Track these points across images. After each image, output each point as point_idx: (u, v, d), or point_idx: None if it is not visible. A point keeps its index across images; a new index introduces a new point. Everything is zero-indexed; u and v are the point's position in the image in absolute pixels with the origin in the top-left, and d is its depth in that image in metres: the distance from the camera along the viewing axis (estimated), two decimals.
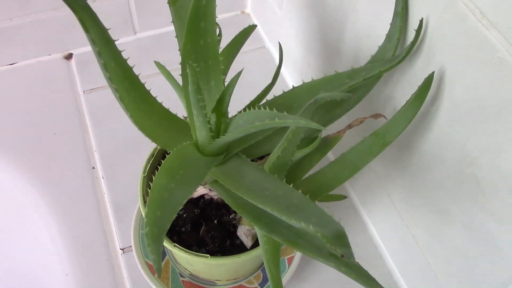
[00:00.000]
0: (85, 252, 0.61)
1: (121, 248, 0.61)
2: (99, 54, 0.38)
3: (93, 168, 0.68)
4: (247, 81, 0.64)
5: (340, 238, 0.31)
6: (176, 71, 0.42)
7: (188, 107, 0.43)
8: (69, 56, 0.80)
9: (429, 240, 0.52)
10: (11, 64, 0.79)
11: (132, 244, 0.58)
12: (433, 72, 0.42)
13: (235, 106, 0.47)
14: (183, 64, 0.42)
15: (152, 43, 0.83)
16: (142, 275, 0.56)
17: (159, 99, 0.45)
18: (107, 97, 0.74)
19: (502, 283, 0.43)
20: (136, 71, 0.42)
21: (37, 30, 0.78)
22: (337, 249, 0.30)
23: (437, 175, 0.47)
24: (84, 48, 0.81)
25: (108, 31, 0.39)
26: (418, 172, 0.50)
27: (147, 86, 0.44)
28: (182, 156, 0.42)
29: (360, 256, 0.38)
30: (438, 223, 0.49)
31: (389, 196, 0.57)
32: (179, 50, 0.43)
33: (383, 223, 0.62)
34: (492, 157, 0.39)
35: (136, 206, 0.61)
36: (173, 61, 0.42)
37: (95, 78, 0.77)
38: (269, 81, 0.50)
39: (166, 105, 0.46)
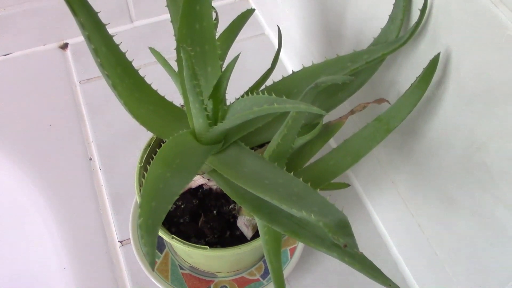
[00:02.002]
0: (83, 245, 0.60)
1: (120, 240, 0.60)
2: (89, 39, 0.36)
3: (90, 159, 0.67)
4: (246, 68, 0.63)
5: (343, 228, 0.30)
6: (174, 59, 0.41)
7: (184, 94, 0.42)
8: (64, 46, 0.79)
9: (435, 229, 0.50)
10: (5, 55, 0.77)
11: (131, 236, 0.57)
12: (438, 54, 0.40)
13: (233, 94, 0.46)
14: (178, 49, 0.40)
15: (149, 32, 0.82)
16: (141, 268, 0.55)
17: (157, 89, 0.44)
18: (104, 87, 0.72)
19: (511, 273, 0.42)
20: (133, 60, 0.41)
21: (31, 19, 0.77)
22: (339, 239, 0.28)
23: (444, 162, 0.45)
24: (79, 38, 0.79)
25: (104, 21, 0.37)
26: (423, 158, 0.48)
27: (145, 75, 0.43)
28: (178, 145, 0.41)
29: (364, 246, 0.37)
30: (444, 211, 0.48)
31: (394, 184, 0.55)
32: (174, 35, 0.42)
33: (387, 212, 0.60)
34: (502, 142, 0.38)
35: (134, 198, 0.60)
36: (171, 49, 0.41)
37: (91, 68, 0.76)
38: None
39: (163, 94, 0.45)
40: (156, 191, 0.35)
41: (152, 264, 0.30)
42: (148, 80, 0.43)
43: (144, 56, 0.58)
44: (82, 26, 0.35)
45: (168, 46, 0.52)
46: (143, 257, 0.55)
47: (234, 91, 0.48)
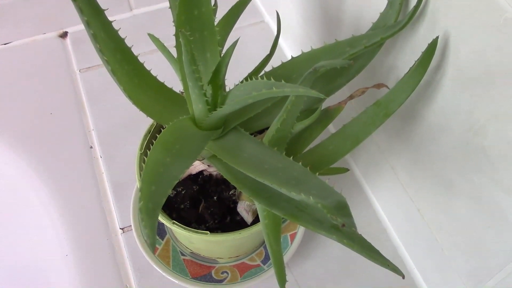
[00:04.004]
0: (85, 233, 0.60)
1: (121, 227, 0.61)
2: (87, 24, 0.36)
3: (91, 147, 0.67)
4: (246, 55, 0.63)
5: (341, 209, 0.30)
6: (174, 46, 0.41)
7: (184, 80, 0.42)
8: (64, 35, 0.79)
9: (434, 213, 0.51)
10: (5, 44, 0.77)
11: (132, 223, 0.57)
12: (437, 37, 0.40)
13: (233, 81, 0.46)
14: (177, 35, 0.40)
15: (148, 20, 0.81)
16: (142, 254, 0.55)
17: (156, 75, 0.44)
18: (104, 75, 0.73)
19: (510, 256, 0.42)
20: (133, 49, 0.41)
21: (30, 8, 0.77)
22: (338, 219, 0.28)
23: (443, 146, 0.46)
24: (79, 26, 0.80)
25: (103, 8, 0.37)
26: (422, 143, 0.48)
27: (144, 62, 0.43)
28: (178, 130, 0.41)
29: (364, 231, 0.37)
30: (444, 196, 0.48)
31: (393, 169, 0.56)
32: (173, 21, 0.42)
33: (387, 197, 0.60)
34: (500, 125, 0.38)
35: (135, 185, 0.60)
36: (171, 37, 0.41)
37: (91, 56, 0.76)
38: None
39: (163, 81, 0.45)
40: (156, 175, 0.35)
41: (152, 246, 0.31)
42: (147, 67, 0.44)
43: (143, 44, 0.58)
44: (80, 11, 0.35)
45: (168, 34, 0.52)
46: (144, 244, 0.55)
47: (233, 78, 0.48)
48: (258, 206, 0.43)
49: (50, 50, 0.77)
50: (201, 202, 0.51)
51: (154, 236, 0.31)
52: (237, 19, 0.50)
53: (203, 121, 0.41)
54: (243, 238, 0.47)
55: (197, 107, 0.40)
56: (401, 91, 0.42)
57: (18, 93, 0.72)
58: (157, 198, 0.34)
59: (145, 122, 0.49)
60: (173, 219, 0.47)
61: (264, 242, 0.58)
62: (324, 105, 0.46)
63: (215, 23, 0.42)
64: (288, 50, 0.77)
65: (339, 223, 0.28)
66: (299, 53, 0.46)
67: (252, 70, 0.48)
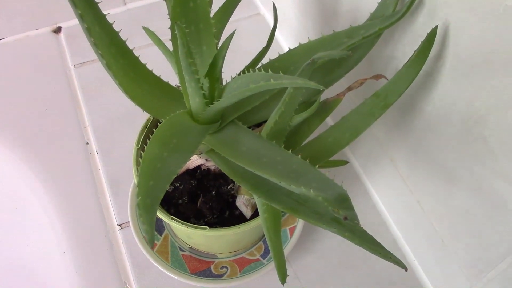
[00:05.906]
0: (82, 229, 0.60)
1: (119, 223, 0.60)
2: (81, 18, 0.35)
3: (87, 143, 0.67)
4: (242, 49, 0.62)
5: (343, 201, 0.29)
6: (169, 39, 0.40)
7: (180, 74, 0.41)
8: (58, 30, 0.78)
9: (434, 205, 0.50)
10: None
11: (130, 219, 0.57)
12: (436, 27, 0.40)
13: (229, 74, 0.46)
14: (172, 27, 0.40)
15: (143, 13, 0.81)
16: (141, 250, 0.55)
17: (152, 69, 0.43)
18: (98, 71, 0.72)
19: (511, 246, 0.42)
20: (128, 43, 0.40)
21: (23, 3, 0.76)
22: (340, 212, 0.28)
23: (442, 137, 0.45)
24: (73, 21, 0.79)
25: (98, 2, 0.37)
26: (422, 134, 0.48)
27: (139, 55, 0.42)
28: (175, 125, 0.40)
29: (363, 223, 0.37)
30: (444, 187, 0.48)
31: (392, 161, 0.55)
32: (168, 14, 0.41)
33: (386, 189, 0.60)
34: (501, 114, 0.37)
35: (132, 181, 0.59)
36: (166, 31, 0.40)
37: (86, 51, 0.75)
38: None
39: (158, 75, 0.44)
40: (153, 171, 0.35)
41: (151, 242, 0.30)
42: (143, 61, 0.43)
43: (138, 38, 0.57)
44: (74, 4, 0.35)
45: (163, 28, 0.52)
46: (143, 240, 0.55)
47: (229, 71, 0.48)
48: (257, 200, 0.42)
49: (44, 46, 0.76)
50: (200, 197, 0.50)
51: (153, 232, 0.31)
52: (233, 10, 0.49)
53: (200, 114, 0.40)
54: (242, 232, 0.46)
55: (194, 100, 0.40)
56: (400, 82, 0.42)
57: (12, 90, 0.71)
58: (155, 193, 0.33)
59: (142, 117, 0.49)
60: (171, 215, 0.46)
61: (263, 236, 0.58)
62: (322, 97, 0.45)
63: (211, 16, 0.41)
64: (285, 42, 0.76)
65: (341, 216, 0.28)
66: (296, 45, 0.46)
67: (249, 63, 0.47)
